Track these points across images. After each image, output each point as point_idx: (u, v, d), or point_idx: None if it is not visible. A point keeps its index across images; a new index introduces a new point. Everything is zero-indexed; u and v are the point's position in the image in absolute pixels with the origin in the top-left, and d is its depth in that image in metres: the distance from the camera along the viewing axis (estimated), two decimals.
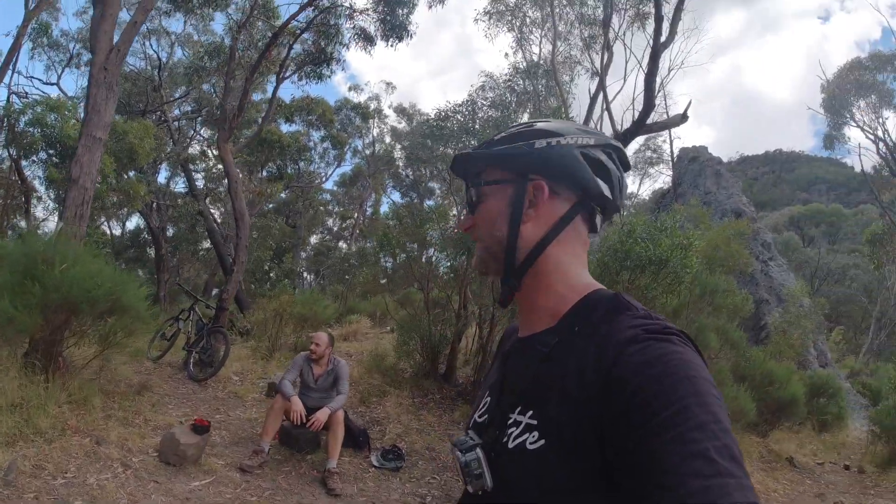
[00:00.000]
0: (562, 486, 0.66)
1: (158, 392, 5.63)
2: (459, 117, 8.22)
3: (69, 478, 3.37)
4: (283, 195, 19.36)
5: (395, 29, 8.99)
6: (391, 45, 9.16)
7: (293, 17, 7.83)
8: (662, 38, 9.12)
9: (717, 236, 12.36)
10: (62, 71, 18.26)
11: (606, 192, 0.81)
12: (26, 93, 13.86)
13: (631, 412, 0.61)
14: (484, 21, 10.87)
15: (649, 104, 9.12)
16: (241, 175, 8.13)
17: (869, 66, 13.63)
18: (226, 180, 9.51)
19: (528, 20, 10.55)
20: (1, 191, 12.52)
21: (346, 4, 8.70)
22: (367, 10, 8.89)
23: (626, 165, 0.86)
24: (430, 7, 9.04)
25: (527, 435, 0.71)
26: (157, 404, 5.22)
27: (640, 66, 11.35)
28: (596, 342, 0.70)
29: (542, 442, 0.69)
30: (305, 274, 25.11)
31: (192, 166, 16.07)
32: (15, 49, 12.90)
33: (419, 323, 6.98)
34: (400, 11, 8.81)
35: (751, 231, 14.93)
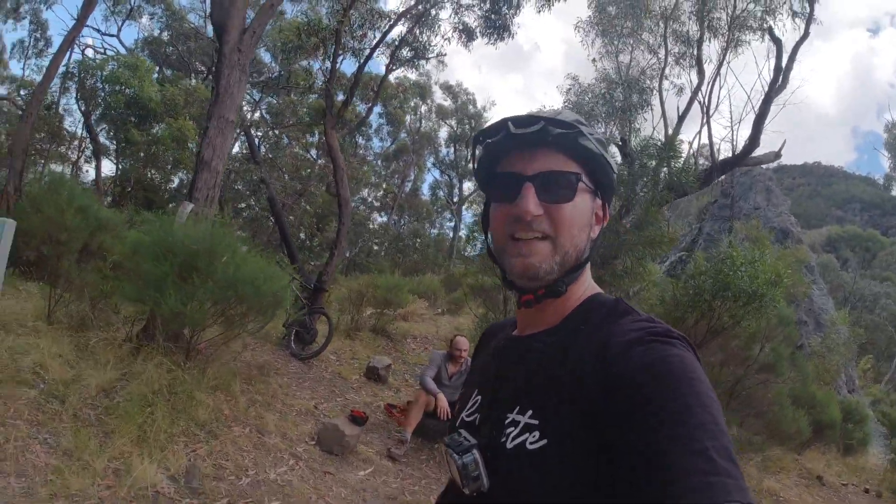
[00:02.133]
0: (563, 486, 0.65)
1: (280, 373, 5.84)
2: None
3: (252, 476, 3.44)
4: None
5: (498, 28, 8.91)
6: (492, 43, 9.10)
7: (408, 11, 7.77)
8: (777, 85, 9.38)
9: (780, 264, 12.40)
10: (122, 23, 18.30)
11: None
12: (103, 48, 13.91)
13: (633, 410, 0.61)
14: (582, 28, 10.73)
15: (754, 143, 9.39)
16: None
17: None
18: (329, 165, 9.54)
19: (624, 31, 10.36)
20: (70, 146, 12.73)
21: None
22: (473, 5, 8.80)
23: None
24: (539, 11, 8.92)
25: (526, 435, 0.70)
26: (283, 386, 5.42)
27: (743, 90, 11.24)
28: (599, 341, 0.70)
29: (544, 442, 0.68)
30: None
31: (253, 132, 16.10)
32: (91, 3, 12.88)
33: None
34: (505, 11, 8.71)
35: (807, 259, 14.85)
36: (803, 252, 14.40)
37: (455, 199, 29.87)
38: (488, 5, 8.77)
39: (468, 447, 0.75)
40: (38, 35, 22.57)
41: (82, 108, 11.49)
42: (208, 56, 18.17)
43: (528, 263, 0.77)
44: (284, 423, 4.42)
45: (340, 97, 10.05)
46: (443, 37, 9.04)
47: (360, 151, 23.65)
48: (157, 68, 16.46)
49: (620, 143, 9.36)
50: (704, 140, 14.56)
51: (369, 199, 29.25)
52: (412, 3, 8.73)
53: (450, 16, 8.94)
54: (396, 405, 5.99)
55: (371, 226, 26.54)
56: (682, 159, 9.00)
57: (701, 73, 10.93)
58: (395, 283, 9.06)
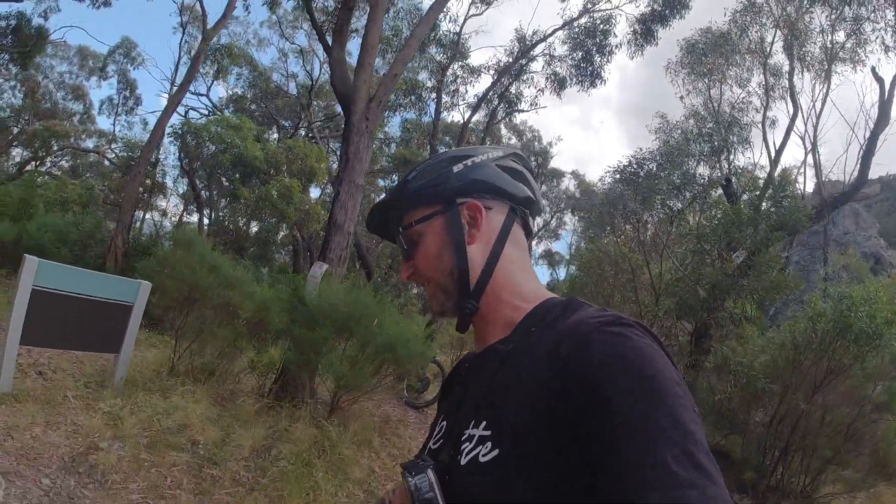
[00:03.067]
0: (520, 495, 0.60)
1: (404, 424, 5.96)
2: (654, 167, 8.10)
3: None
4: None
5: (590, 76, 9.09)
6: (584, 90, 9.29)
7: (507, 68, 8.07)
8: (882, 121, 9.29)
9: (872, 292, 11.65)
10: (211, 83, 19.89)
11: (529, 194, 0.84)
12: (207, 110, 15.13)
13: (585, 418, 0.57)
14: (674, 69, 10.81)
15: (863, 179, 9.17)
16: None
17: None
18: None
19: (714, 67, 10.33)
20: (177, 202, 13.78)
21: (546, 52, 8.91)
22: (565, 56, 9.04)
23: (528, 167, 0.88)
24: (632, 58, 9.04)
25: (479, 448, 0.66)
26: (413, 437, 5.52)
27: (846, 122, 10.90)
28: (552, 339, 0.67)
29: (496, 452, 0.64)
30: None
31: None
32: (195, 67, 13.85)
33: None
34: (597, 59, 8.90)
35: None
36: None
37: None
38: (581, 54, 8.95)
39: (422, 467, 0.71)
40: (127, 93, 24.88)
41: (186, 166, 12.46)
42: (293, 112, 19.48)
43: (431, 306, 0.86)
44: None
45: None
46: (536, 87, 9.28)
47: None
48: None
49: (724, 183, 9.12)
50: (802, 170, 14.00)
51: None
52: (509, 60, 9.02)
53: (542, 67, 9.18)
54: None
55: None
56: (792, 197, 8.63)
57: (796, 105, 10.61)
58: None
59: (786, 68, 10.69)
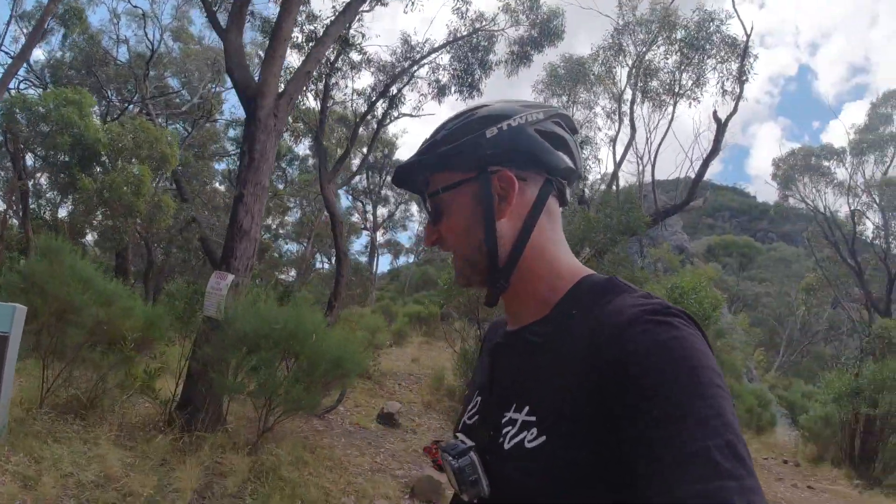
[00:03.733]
0: (565, 484, 0.61)
1: (320, 434, 5.82)
2: None
3: None
4: None
5: (469, 86, 9.67)
6: (463, 99, 9.82)
7: (402, 73, 8.10)
8: (713, 152, 11.23)
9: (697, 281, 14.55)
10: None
11: (570, 163, 0.78)
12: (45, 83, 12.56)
13: (628, 405, 0.57)
14: (539, 89, 12.15)
15: (692, 196, 11.34)
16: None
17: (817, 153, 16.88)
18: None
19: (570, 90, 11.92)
20: None
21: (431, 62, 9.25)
22: (448, 66, 9.49)
23: (573, 130, 0.81)
24: (509, 76, 9.82)
25: (524, 433, 0.66)
26: (334, 447, 5.45)
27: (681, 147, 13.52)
28: (592, 325, 0.65)
29: (542, 439, 0.64)
30: None
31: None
32: (38, 30, 11.51)
33: None
34: (478, 72, 9.51)
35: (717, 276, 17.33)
36: (711, 270, 16.83)
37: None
38: (463, 66, 9.49)
39: (464, 450, 0.71)
40: None
41: (11, 150, 10.22)
42: (120, 83, 16.86)
43: (455, 277, 0.81)
44: (375, 484, 4.56)
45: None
46: (419, 92, 9.58)
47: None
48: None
49: (581, 195, 10.53)
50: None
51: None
52: (393, 61, 9.15)
53: (427, 73, 9.51)
54: (432, 445, 6.22)
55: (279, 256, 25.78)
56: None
57: (633, 127, 12.64)
58: (376, 323, 9.19)
59: (628, 97, 12.66)
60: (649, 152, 12.93)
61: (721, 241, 43.79)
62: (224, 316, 5.33)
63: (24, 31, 15.93)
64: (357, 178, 29.66)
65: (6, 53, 14.01)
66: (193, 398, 5.21)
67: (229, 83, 9.17)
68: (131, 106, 16.47)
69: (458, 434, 0.79)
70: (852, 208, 15.53)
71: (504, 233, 0.75)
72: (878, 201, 15.39)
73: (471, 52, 9.44)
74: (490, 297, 0.79)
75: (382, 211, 31.69)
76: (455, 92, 9.83)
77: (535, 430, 0.65)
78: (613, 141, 12.81)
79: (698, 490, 0.50)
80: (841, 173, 16.37)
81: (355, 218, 30.46)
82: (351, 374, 4.35)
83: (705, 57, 11.38)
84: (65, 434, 4.11)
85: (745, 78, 11.27)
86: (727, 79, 11.56)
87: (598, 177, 13.54)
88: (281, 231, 26.39)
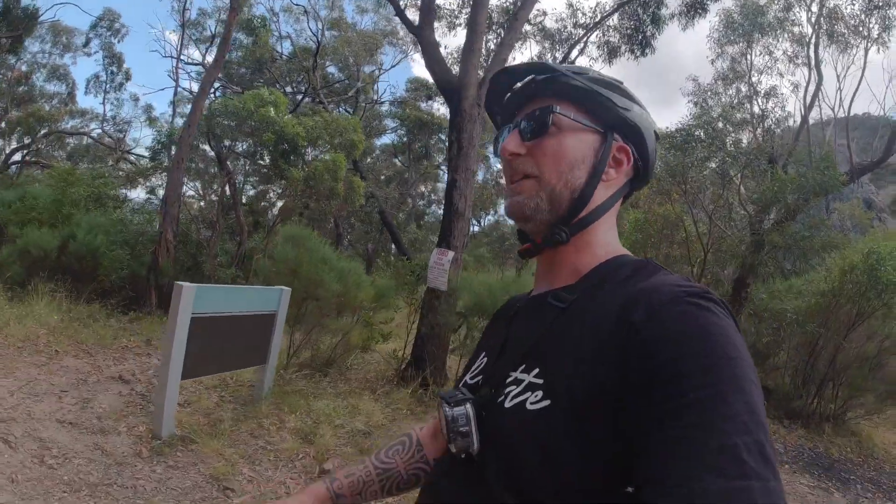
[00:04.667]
0: (562, 455, 0.58)
1: None
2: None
3: None
4: None
5: (641, 44, 9.35)
6: (635, 58, 9.52)
7: (577, 41, 8.16)
8: None
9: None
10: (206, 49, 19.05)
11: (656, 164, 0.80)
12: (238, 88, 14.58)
13: (656, 384, 0.54)
14: (713, 37, 11.31)
15: (889, 152, 9.86)
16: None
17: None
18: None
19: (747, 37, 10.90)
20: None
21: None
22: (616, 26, 9.26)
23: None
24: (684, 29, 9.30)
25: (528, 394, 0.63)
26: None
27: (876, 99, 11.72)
28: (624, 299, 0.62)
29: (547, 402, 0.61)
30: None
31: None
32: (228, 39, 13.17)
33: None
34: (649, 28, 9.15)
35: None
36: None
37: None
38: (633, 25, 9.18)
39: (461, 399, 0.70)
40: (115, 69, 23.22)
41: (215, 149, 12.16)
42: (288, 77, 18.75)
43: (513, 201, 0.75)
44: None
45: None
46: (589, 57, 9.51)
47: None
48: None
49: (770, 152, 9.71)
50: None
51: None
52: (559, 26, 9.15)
53: (597, 37, 9.39)
54: None
55: None
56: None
57: (820, 75, 11.26)
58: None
59: (811, 41, 11.26)
60: (840, 101, 11.46)
61: None
62: (448, 288, 6.12)
63: (192, 37, 18.40)
64: None
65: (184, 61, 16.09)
66: (422, 357, 6.09)
67: (385, 64, 9.87)
68: (306, 98, 18.27)
69: (459, 387, 0.78)
70: None
71: (597, 195, 0.74)
72: None
73: (641, 9, 9.07)
74: (533, 248, 0.78)
75: None
76: (625, 52, 9.57)
77: (539, 393, 0.62)
78: (801, 89, 11.52)
79: (721, 486, 0.48)
80: None
81: None
82: None
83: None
84: (319, 390, 5.04)
85: None
86: None
87: (780, 129, 12.27)
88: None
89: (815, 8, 10.79)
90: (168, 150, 12.71)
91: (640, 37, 9.22)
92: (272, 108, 11.51)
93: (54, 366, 4.78)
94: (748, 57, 11.25)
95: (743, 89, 10.86)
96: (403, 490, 0.93)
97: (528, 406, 0.62)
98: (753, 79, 11.00)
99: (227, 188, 12.69)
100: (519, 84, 0.79)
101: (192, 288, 3.75)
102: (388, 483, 0.92)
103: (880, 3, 10.00)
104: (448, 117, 6.90)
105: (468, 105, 6.29)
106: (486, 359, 0.80)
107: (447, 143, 7.03)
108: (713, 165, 8.81)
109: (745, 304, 8.71)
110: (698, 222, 9.16)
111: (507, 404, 0.65)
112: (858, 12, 10.52)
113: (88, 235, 8.42)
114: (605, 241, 0.76)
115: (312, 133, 11.72)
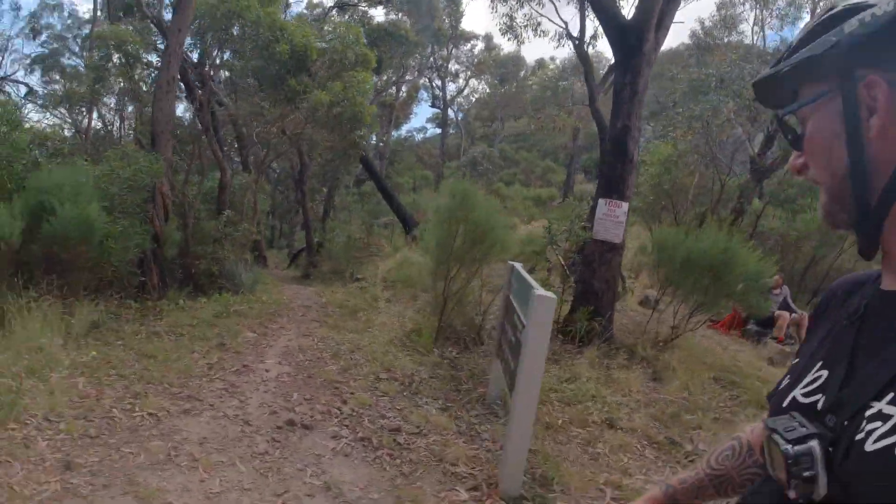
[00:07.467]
0: None
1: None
2: None
3: None
4: None
5: None
6: None
7: None
8: None
9: None
10: None
11: None
12: None
13: None
14: None
15: None
16: None
17: None
18: None
19: None
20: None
21: None
22: None
23: None
24: None
25: None
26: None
27: None
28: None
29: None
30: None
31: None
32: None
33: None
34: None
35: None
36: None
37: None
38: None
39: (804, 436, 0.56)
40: None
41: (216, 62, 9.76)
42: None
43: (820, 214, 0.65)
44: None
45: None
46: None
47: None
48: None
49: None
50: None
51: None
52: None
53: None
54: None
55: None
56: None
57: None
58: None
59: None
60: None
61: None
62: (620, 240, 6.03)
63: None
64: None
65: None
66: (597, 312, 6.02)
67: None
68: None
69: (792, 413, 0.61)
70: None
71: (877, 157, 0.57)
72: None
73: None
74: (864, 245, 0.61)
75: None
76: None
77: None
78: None
79: None
80: None
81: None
82: None
83: None
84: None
85: None
86: None
87: None
88: None
89: None
90: (128, 68, 9.51)
91: None
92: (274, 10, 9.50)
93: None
94: None
95: None
96: (740, 492, 0.82)
97: None
98: None
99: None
100: (770, 104, 0.71)
101: (552, 300, 2.88)
102: (722, 487, 0.87)
103: None
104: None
105: (648, 48, 6.00)
106: (825, 371, 0.63)
107: (613, 87, 6.60)
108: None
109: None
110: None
111: (870, 447, 0.50)
112: None
113: (71, 205, 5.13)
114: None
115: (331, 44, 10.00)
